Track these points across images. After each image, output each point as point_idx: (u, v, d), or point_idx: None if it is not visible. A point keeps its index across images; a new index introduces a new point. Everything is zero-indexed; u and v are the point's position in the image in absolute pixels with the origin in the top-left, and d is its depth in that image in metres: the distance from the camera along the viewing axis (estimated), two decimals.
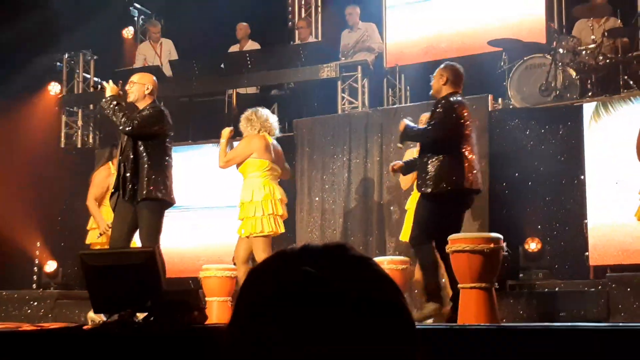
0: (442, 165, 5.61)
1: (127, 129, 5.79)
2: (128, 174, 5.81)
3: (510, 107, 8.24)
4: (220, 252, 8.55)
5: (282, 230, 6.61)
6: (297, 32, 10.51)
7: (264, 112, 6.80)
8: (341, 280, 0.92)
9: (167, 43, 10.75)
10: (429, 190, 5.63)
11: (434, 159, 5.65)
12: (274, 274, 0.95)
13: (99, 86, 6.11)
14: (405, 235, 6.50)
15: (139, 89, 6.02)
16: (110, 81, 6.11)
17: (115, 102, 5.88)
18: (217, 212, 8.73)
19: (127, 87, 6.05)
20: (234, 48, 10.29)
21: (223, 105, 10.15)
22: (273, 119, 6.81)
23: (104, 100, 5.97)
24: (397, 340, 0.93)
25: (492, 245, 5.21)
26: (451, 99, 5.75)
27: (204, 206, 8.99)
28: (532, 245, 7.22)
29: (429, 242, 5.63)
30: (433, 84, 5.90)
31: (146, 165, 5.82)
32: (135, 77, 6.14)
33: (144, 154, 5.85)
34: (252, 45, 10.25)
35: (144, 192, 5.78)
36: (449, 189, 5.60)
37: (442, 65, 5.99)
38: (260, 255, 6.36)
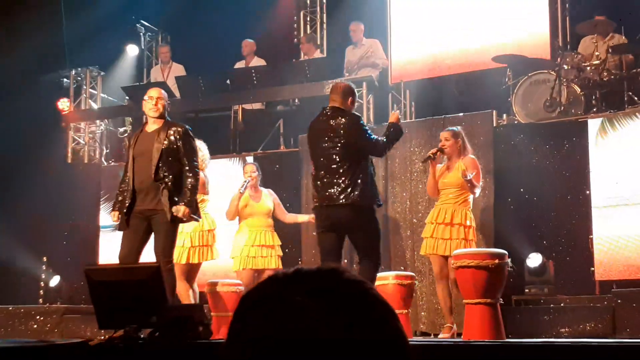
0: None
1: (198, 176, 5.97)
2: (172, 197, 5.85)
3: (515, 122, 8.27)
4: (225, 267, 8.55)
5: (212, 258, 7.12)
6: (302, 47, 10.55)
7: (203, 146, 7.05)
8: (333, 306, 0.92)
9: (178, 67, 10.78)
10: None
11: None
12: (265, 300, 0.95)
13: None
14: (423, 249, 6.54)
15: (164, 105, 6.09)
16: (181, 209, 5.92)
17: (188, 198, 5.89)
18: (223, 227, 8.73)
19: (151, 103, 6.03)
20: (240, 64, 10.35)
21: (229, 121, 10.19)
22: (208, 154, 7.12)
23: (189, 210, 5.88)
24: None
25: (497, 261, 5.22)
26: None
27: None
28: (535, 261, 7.20)
29: None
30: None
31: (177, 185, 5.92)
32: (157, 92, 6.13)
33: (179, 175, 5.95)
34: (257, 61, 10.31)
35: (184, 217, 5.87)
36: None
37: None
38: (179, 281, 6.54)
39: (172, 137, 5.94)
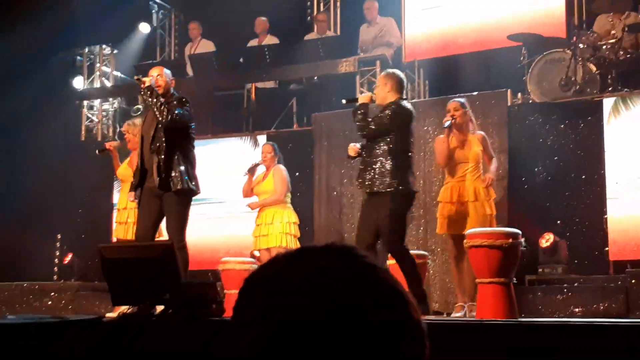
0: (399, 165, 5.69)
1: (166, 119, 5.83)
2: (162, 164, 5.83)
3: (530, 102, 8.20)
4: (239, 244, 8.59)
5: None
6: (315, 25, 10.45)
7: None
8: (339, 285, 0.89)
9: (208, 44, 10.70)
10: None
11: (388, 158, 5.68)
12: (270, 279, 0.93)
13: (140, 78, 6.11)
14: (442, 228, 6.40)
15: (166, 81, 6.06)
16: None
17: (156, 92, 5.92)
18: (236, 205, 8.75)
19: (154, 80, 6.04)
20: (253, 43, 10.30)
21: (242, 100, 10.17)
22: None
23: (146, 88, 5.96)
24: (403, 349, 0.90)
25: (510, 241, 5.20)
26: (401, 103, 5.79)
27: (223, 199, 9.03)
28: (545, 241, 7.17)
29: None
30: (377, 91, 5.93)
31: (177, 157, 5.86)
32: (157, 71, 6.13)
33: (176, 145, 5.89)
34: (271, 39, 10.25)
35: (178, 183, 5.81)
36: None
37: (384, 73, 6.08)
38: None
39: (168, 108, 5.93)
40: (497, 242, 5.17)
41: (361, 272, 0.92)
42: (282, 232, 7.40)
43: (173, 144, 5.89)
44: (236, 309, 0.94)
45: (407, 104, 5.88)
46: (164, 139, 5.87)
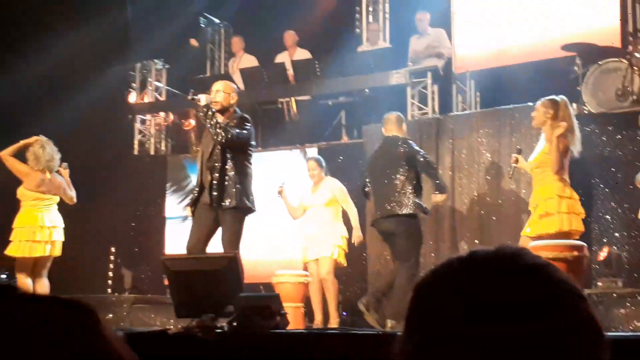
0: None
1: (222, 139, 5.86)
2: (216, 182, 5.87)
3: (586, 112, 8.09)
4: (290, 258, 8.59)
5: (44, 253, 7.29)
6: (367, 35, 10.38)
7: (51, 149, 7.43)
8: (517, 287, 0.87)
9: (250, 58, 10.76)
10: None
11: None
12: (445, 288, 0.91)
13: (195, 97, 6.14)
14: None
15: (225, 97, 6.07)
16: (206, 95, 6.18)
17: (212, 111, 5.94)
18: (286, 218, 8.76)
19: (212, 96, 6.09)
20: (282, 56, 10.24)
21: (288, 113, 10.17)
22: (57, 157, 7.50)
23: (202, 107, 6.00)
24: (589, 353, 0.88)
25: (575, 253, 5.12)
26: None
27: (274, 212, 9.04)
28: (602, 254, 7.07)
29: None
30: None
31: (234, 174, 5.90)
32: (220, 86, 6.17)
33: (232, 162, 5.93)
34: (301, 52, 10.21)
35: (233, 200, 5.84)
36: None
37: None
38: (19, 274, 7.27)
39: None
40: (562, 255, 5.10)
41: (540, 273, 0.90)
42: (334, 244, 7.35)
43: (230, 162, 5.93)
44: (410, 315, 0.93)
45: None
46: (220, 158, 5.92)
